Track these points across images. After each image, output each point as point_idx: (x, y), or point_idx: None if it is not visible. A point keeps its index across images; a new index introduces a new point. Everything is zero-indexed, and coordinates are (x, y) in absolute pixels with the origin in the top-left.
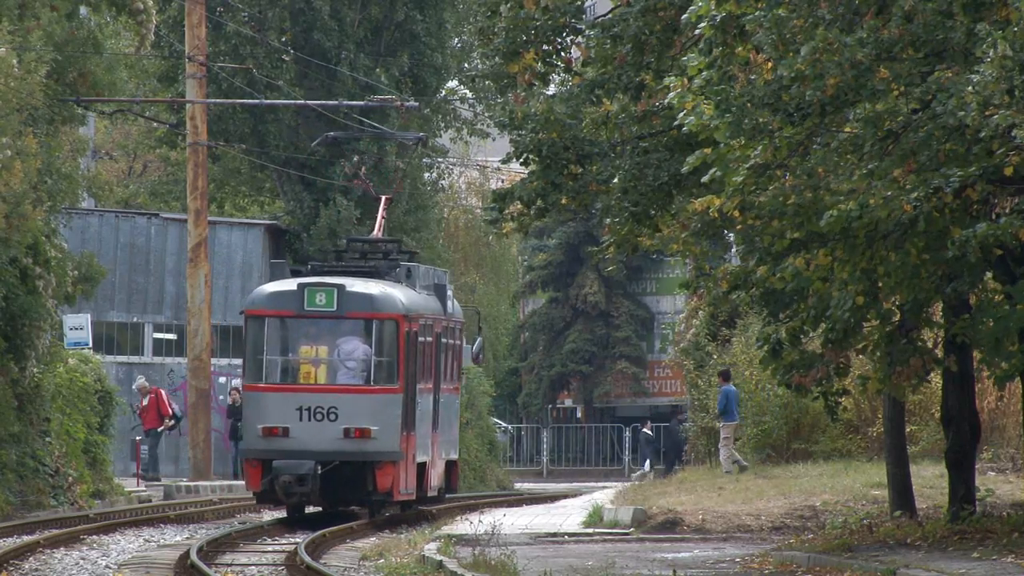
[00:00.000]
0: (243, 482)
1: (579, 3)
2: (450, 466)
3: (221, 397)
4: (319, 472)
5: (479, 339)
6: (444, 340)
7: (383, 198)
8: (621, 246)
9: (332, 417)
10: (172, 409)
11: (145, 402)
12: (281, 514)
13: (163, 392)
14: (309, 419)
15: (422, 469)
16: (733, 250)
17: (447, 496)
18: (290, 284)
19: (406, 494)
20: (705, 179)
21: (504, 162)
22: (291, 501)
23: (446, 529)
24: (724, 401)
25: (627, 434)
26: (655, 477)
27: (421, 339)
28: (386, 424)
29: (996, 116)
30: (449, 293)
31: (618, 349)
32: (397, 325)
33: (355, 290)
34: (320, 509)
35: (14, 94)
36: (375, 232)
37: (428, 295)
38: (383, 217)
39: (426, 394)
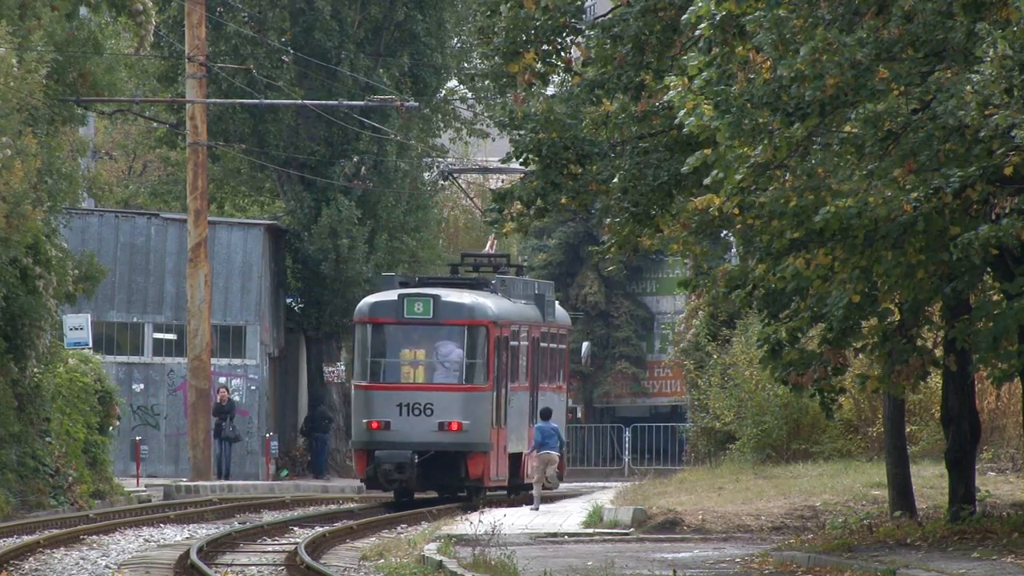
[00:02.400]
0: (242, 482)
1: (579, 3)
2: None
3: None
4: (416, 461)
5: (585, 344)
6: (543, 344)
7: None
8: (621, 246)
9: (428, 412)
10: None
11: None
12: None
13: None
14: (408, 414)
15: (516, 460)
16: (733, 250)
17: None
18: (392, 294)
19: (497, 481)
20: (707, 181)
21: (504, 162)
22: (392, 487)
23: (446, 529)
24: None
25: (627, 434)
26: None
27: (513, 343)
28: (476, 418)
29: (996, 116)
30: (551, 302)
31: (618, 349)
32: (487, 330)
33: (449, 299)
34: (428, 494)
35: (14, 94)
36: (487, 248)
37: (525, 304)
38: (495, 238)
39: (520, 392)
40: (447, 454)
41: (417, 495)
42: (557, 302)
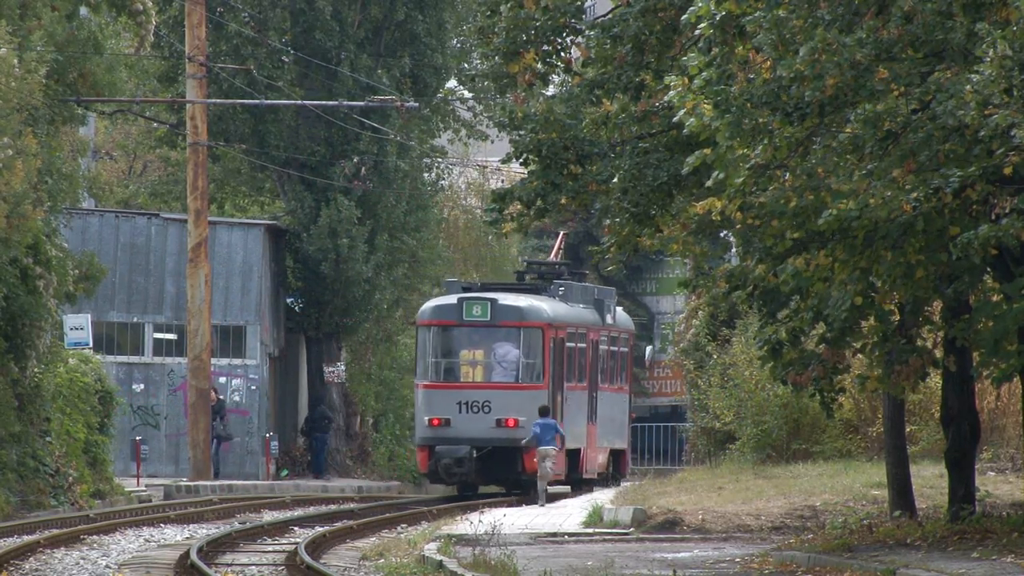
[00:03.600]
0: (242, 482)
1: (579, 3)
2: (617, 454)
3: (222, 397)
4: (475, 456)
5: (648, 347)
6: (604, 347)
7: (561, 233)
8: (621, 246)
9: (486, 410)
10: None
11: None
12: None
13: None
14: (467, 411)
15: (575, 455)
16: (733, 250)
17: (617, 479)
18: (451, 298)
19: (554, 475)
20: (708, 184)
21: (504, 162)
22: (452, 481)
23: (446, 529)
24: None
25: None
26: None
27: (570, 344)
28: (533, 416)
29: (996, 116)
30: (612, 307)
31: None
32: (543, 332)
33: (506, 303)
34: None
35: (14, 94)
36: (551, 256)
37: (584, 308)
38: (560, 246)
39: (578, 392)
40: (504, 449)
41: (481, 489)
42: (620, 307)
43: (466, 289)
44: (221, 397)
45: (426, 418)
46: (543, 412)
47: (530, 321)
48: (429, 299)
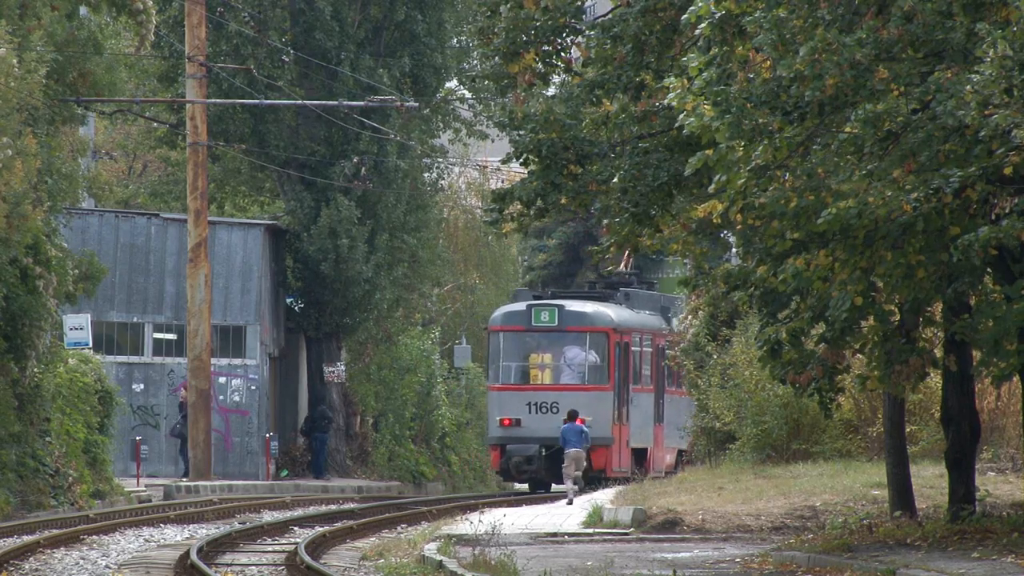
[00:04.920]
0: (242, 481)
1: (579, 3)
2: (681, 453)
3: (221, 397)
4: (544, 454)
5: None
6: (669, 351)
7: (628, 249)
8: (621, 246)
9: (555, 410)
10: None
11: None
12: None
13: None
14: (536, 412)
15: (641, 454)
16: (733, 250)
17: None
18: (521, 305)
19: (619, 472)
20: (711, 189)
21: (504, 162)
22: (522, 478)
23: (446, 529)
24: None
25: None
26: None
27: (635, 348)
28: (598, 415)
29: (996, 116)
30: (677, 313)
31: None
32: (608, 336)
33: (573, 309)
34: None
35: (14, 94)
36: (621, 266)
37: (649, 314)
38: (629, 257)
39: (644, 394)
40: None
41: (555, 487)
42: None
43: (536, 297)
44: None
45: (498, 418)
46: (571, 416)
47: (596, 326)
48: (499, 306)
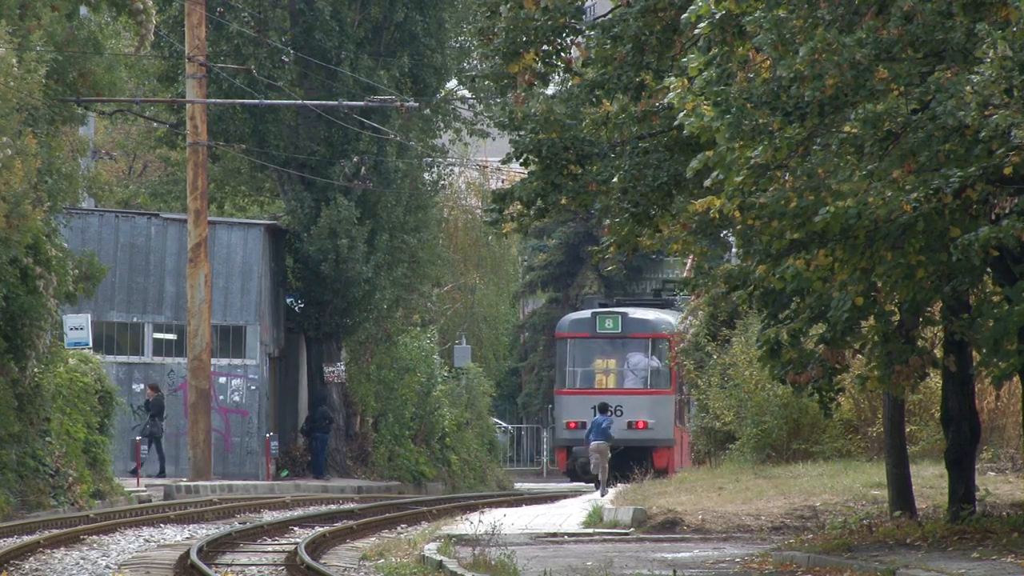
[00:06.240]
0: (242, 481)
1: (579, 3)
2: None
3: (221, 397)
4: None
5: None
6: None
7: (691, 256)
8: (621, 246)
9: (619, 413)
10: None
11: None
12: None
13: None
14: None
15: None
16: (733, 250)
17: None
18: (586, 313)
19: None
20: (707, 183)
21: (504, 162)
22: (588, 479)
23: (446, 529)
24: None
25: None
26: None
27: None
28: (661, 418)
29: (996, 116)
30: None
31: None
32: (669, 342)
33: (635, 316)
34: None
35: (14, 94)
36: (685, 274)
37: None
38: (692, 264)
39: None
40: (636, 448)
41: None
42: None
43: (602, 304)
44: (161, 392)
45: (564, 421)
46: (601, 409)
47: (658, 332)
48: (568, 313)
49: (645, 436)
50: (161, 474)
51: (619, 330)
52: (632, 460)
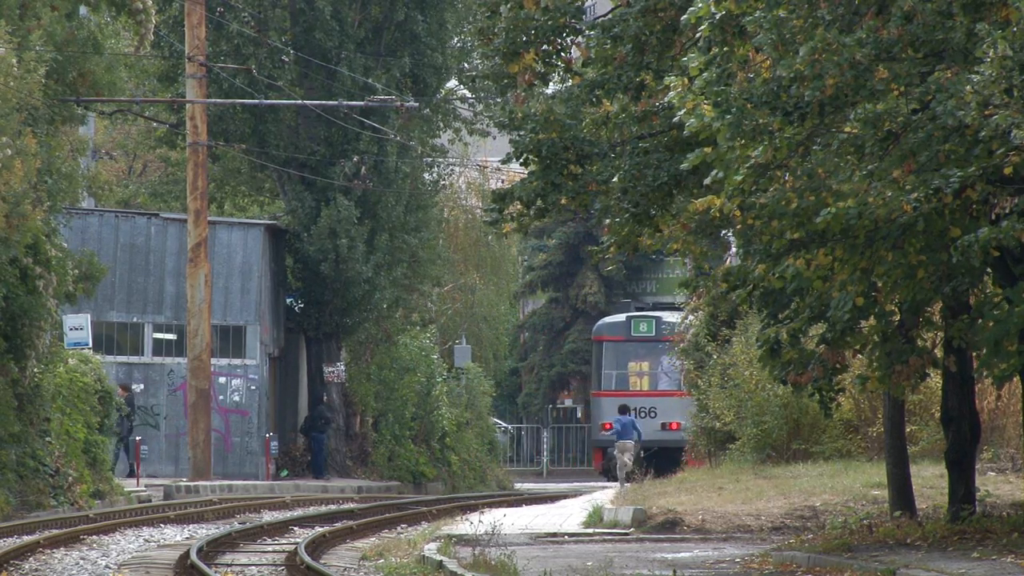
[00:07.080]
0: (242, 481)
1: (579, 3)
2: None
3: (221, 397)
4: (643, 455)
5: None
6: None
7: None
8: (621, 246)
9: (652, 415)
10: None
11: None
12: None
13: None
14: (635, 417)
15: None
16: (733, 250)
17: None
18: (621, 317)
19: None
20: (707, 181)
21: (504, 162)
22: (621, 477)
23: (446, 529)
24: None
25: None
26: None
27: None
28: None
29: (996, 116)
30: None
31: None
32: None
33: (669, 319)
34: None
35: (14, 94)
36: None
37: None
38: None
39: None
40: (669, 449)
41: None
42: None
43: (639, 309)
44: (132, 391)
45: (600, 423)
46: (623, 411)
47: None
48: (603, 318)
49: (678, 437)
50: (131, 474)
51: (653, 333)
52: (665, 460)
